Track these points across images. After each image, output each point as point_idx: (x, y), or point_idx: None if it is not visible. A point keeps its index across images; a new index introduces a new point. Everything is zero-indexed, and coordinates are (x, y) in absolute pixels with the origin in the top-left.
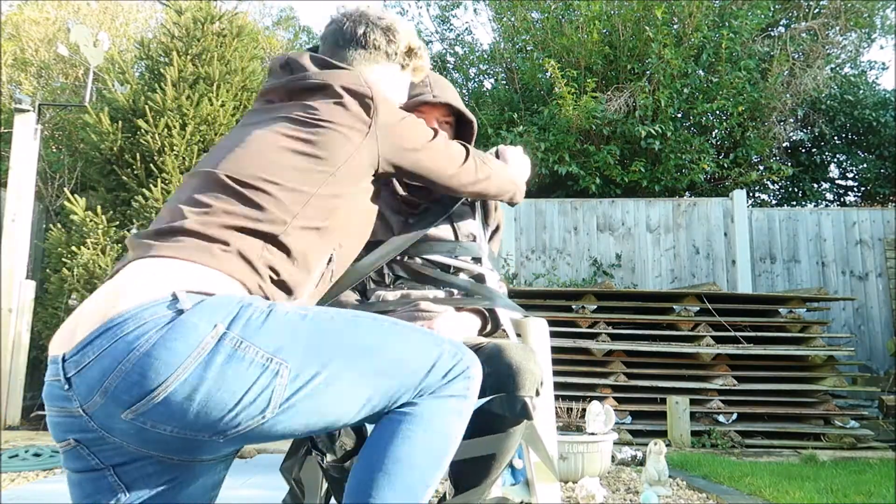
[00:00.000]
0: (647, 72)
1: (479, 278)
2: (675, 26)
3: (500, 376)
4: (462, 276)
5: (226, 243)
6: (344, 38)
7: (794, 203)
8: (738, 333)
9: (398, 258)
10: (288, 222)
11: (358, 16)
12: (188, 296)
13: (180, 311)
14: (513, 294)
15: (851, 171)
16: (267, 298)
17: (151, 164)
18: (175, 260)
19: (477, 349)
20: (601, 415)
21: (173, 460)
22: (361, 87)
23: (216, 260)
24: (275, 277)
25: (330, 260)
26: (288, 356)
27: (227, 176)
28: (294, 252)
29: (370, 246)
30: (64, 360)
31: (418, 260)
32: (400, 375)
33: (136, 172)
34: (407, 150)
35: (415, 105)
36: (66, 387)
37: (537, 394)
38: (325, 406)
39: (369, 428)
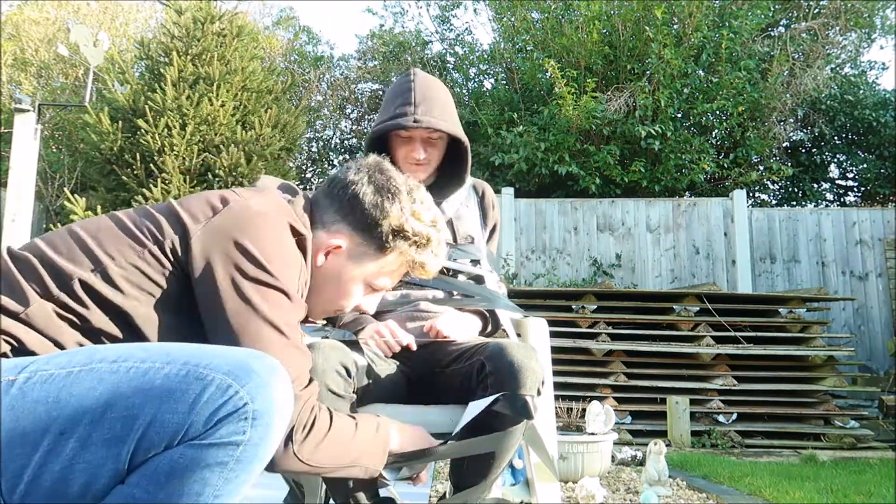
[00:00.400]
0: (647, 72)
1: (479, 280)
2: (675, 26)
3: (501, 375)
4: (461, 278)
5: None
6: (333, 182)
7: (794, 203)
8: (738, 333)
9: None
10: None
11: (366, 165)
12: None
13: None
14: (513, 294)
15: (851, 171)
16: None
17: (151, 164)
18: None
19: (479, 348)
20: (601, 415)
21: None
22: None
23: None
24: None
25: None
26: None
27: None
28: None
29: None
30: None
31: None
32: (139, 436)
33: (136, 172)
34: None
35: (393, 127)
36: None
37: (538, 393)
38: (63, 494)
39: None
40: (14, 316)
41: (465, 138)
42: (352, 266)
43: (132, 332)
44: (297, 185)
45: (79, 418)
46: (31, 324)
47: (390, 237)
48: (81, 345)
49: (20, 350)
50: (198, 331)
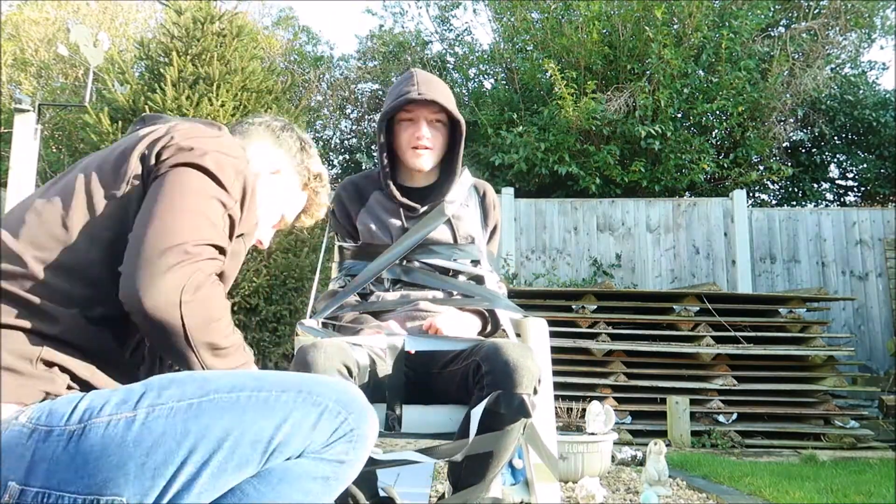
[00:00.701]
0: (647, 72)
1: (479, 280)
2: (675, 26)
3: (497, 374)
4: (461, 278)
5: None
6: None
7: (794, 203)
8: (738, 333)
9: (397, 261)
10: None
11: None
12: None
13: None
14: (513, 294)
15: (851, 171)
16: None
17: None
18: None
19: (476, 349)
20: (601, 415)
21: None
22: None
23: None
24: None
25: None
26: (117, 487)
27: None
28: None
29: (371, 253)
30: None
31: (417, 263)
32: (268, 454)
33: None
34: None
35: (400, 105)
36: None
37: (535, 391)
38: None
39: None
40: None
41: (461, 119)
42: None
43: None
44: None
45: (211, 447)
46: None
47: (307, 172)
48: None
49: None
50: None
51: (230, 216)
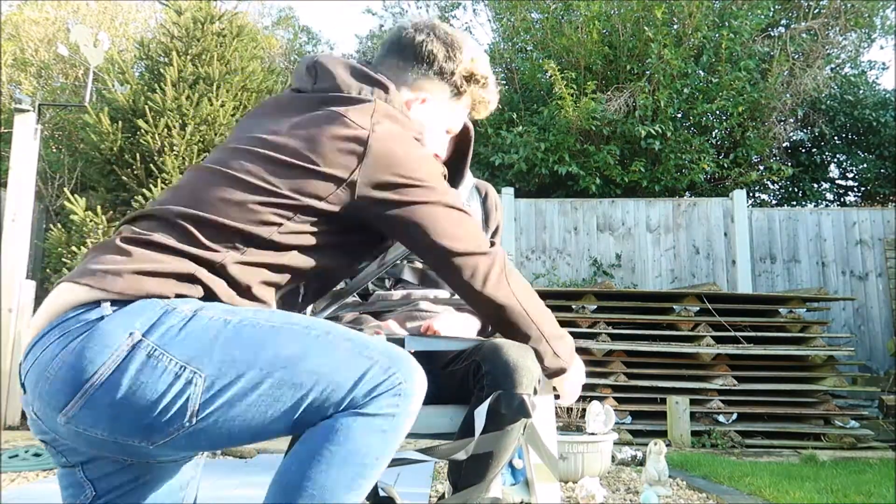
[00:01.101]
0: (647, 72)
1: None
2: (675, 26)
3: (497, 374)
4: None
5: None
6: (399, 45)
7: (794, 203)
8: (738, 333)
9: (398, 261)
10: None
11: (423, 25)
12: (109, 303)
13: (101, 318)
14: None
15: (851, 171)
16: (209, 297)
17: (151, 164)
18: (122, 258)
19: (475, 348)
20: (601, 415)
21: (127, 461)
22: (358, 130)
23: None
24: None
25: (296, 289)
26: (202, 365)
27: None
28: (235, 283)
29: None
30: (20, 365)
31: (418, 263)
32: (320, 388)
33: (136, 172)
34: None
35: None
36: (23, 391)
37: (535, 391)
38: (244, 417)
39: None
40: (209, 266)
41: (469, 124)
42: (436, 113)
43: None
44: None
45: (279, 363)
46: (222, 274)
47: (464, 82)
48: (268, 283)
49: (210, 297)
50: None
51: None
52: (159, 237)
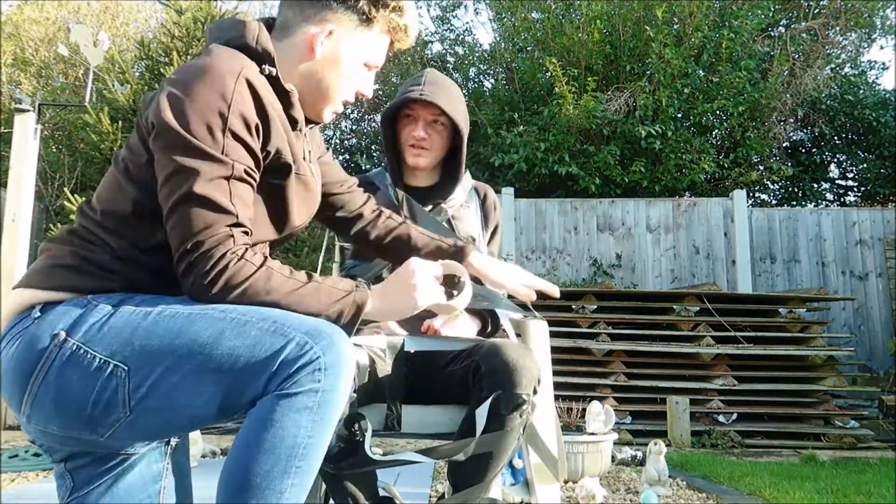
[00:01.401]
0: (648, 72)
1: (479, 280)
2: (676, 26)
3: (496, 374)
4: None
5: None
6: None
7: (794, 203)
8: (738, 333)
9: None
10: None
11: None
12: (40, 306)
13: (32, 322)
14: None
15: (851, 171)
16: (132, 289)
17: None
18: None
19: (475, 349)
20: (601, 415)
21: (96, 453)
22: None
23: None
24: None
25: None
26: (125, 357)
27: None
28: (152, 269)
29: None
30: None
31: None
32: (237, 368)
33: None
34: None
35: (401, 103)
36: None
37: (535, 391)
38: (174, 404)
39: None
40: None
41: (462, 127)
42: (346, 46)
43: None
44: None
45: (195, 349)
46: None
47: (371, 7)
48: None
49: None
50: None
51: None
52: (84, 233)
